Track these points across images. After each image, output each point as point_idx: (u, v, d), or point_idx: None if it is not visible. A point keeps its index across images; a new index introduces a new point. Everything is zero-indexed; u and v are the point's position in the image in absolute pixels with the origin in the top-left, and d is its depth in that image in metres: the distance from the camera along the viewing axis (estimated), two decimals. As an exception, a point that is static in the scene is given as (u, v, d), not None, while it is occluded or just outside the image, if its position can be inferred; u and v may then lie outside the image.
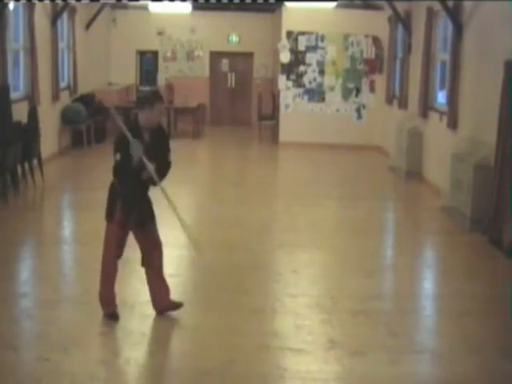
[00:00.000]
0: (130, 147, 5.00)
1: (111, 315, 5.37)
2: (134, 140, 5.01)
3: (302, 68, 15.16)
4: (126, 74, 17.87)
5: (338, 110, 15.29)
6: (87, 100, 14.27)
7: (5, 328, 5.20)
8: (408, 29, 12.75)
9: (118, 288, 6.11)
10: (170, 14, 17.14)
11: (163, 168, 5.23)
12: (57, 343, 4.93)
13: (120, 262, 6.80)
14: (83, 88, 14.58)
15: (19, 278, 6.55)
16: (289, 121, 15.30)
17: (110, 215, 5.39)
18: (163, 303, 5.48)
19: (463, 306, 5.94)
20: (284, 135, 15.34)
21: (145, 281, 6.31)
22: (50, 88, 12.38)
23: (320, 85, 15.21)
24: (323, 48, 15.07)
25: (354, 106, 15.29)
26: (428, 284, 6.76)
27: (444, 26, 11.10)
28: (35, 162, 10.48)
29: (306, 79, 15.19)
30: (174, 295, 6.08)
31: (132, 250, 7.23)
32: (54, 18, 12.39)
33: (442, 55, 11.09)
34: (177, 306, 5.50)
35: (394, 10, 13.08)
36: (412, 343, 5.20)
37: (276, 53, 15.90)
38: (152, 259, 5.61)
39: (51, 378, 4.45)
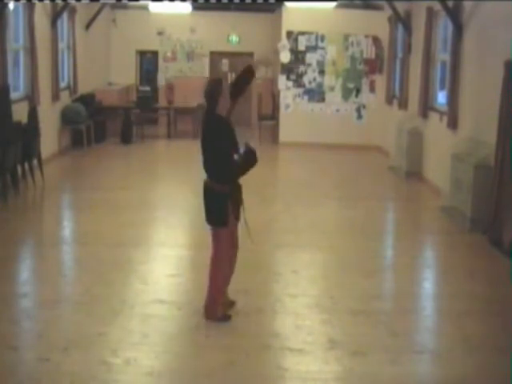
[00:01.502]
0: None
1: (227, 316, 5.42)
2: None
3: (301, 68, 15.16)
4: (126, 74, 17.87)
5: (338, 110, 15.29)
6: (87, 100, 14.27)
7: (5, 328, 5.20)
8: (408, 29, 12.75)
9: (117, 288, 6.14)
10: (170, 14, 17.15)
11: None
12: (57, 343, 4.93)
13: (120, 262, 6.84)
14: (83, 88, 14.58)
15: (19, 278, 6.55)
16: (289, 121, 15.30)
17: (225, 221, 5.29)
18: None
19: (463, 306, 5.94)
20: (284, 135, 15.34)
21: (144, 281, 6.33)
22: (50, 88, 12.39)
23: (320, 85, 15.21)
24: (323, 48, 15.07)
25: (354, 106, 15.29)
26: (428, 284, 6.75)
27: (444, 26, 11.10)
28: (35, 161, 10.48)
29: (305, 79, 15.19)
30: (175, 295, 6.09)
31: (133, 250, 7.26)
32: (54, 18, 12.39)
33: (442, 55, 11.09)
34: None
35: (394, 10, 13.08)
36: (412, 343, 5.20)
37: (276, 53, 15.90)
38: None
39: (51, 378, 4.45)
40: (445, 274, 7.01)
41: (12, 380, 4.40)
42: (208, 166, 5.32)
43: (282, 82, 15.24)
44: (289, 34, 15.07)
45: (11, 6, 10.27)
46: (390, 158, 13.25)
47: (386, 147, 14.24)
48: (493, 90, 8.14)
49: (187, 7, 15.61)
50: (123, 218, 8.56)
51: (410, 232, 8.62)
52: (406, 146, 11.70)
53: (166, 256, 7.23)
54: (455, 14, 9.75)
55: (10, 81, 10.22)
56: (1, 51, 9.72)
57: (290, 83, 15.20)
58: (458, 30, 9.72)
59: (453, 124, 9.84)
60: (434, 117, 11.09)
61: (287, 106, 15.30)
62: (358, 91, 15.22)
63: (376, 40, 14.99)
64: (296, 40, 15.06)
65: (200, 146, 5.30)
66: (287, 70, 15.17)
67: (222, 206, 5.25)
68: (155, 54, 18.31)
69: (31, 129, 10.40)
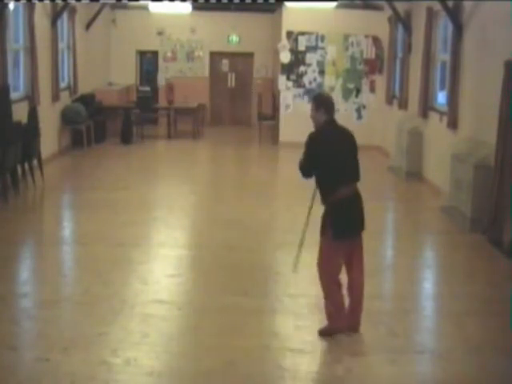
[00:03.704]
0: None
1: (335, 330, 5.23)
2: None
3: (302, 68, 15.15)
4: (126, 74, 17.87)
5: (337, 110, 15.16)
6: (87, 100, 14.27)
7: (5, 328, 5.20)
8: (408, 29, 12.75)
9: (117, 288, 6.14)
10: (170, 14, 17.14)
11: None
12: (57, 343, 4.93)
13: (120, 262, 6.84)
14: (83, 88, 14.58)
15: (19, 278, 6.55)
16: (289, 121, 15.27)
17: None
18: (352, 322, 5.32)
19: (463, 306, 5.94)
20: (284, 135, 15.32)
21: (144, 281, 6.33)
22: (50, 88, 12.38)
23: (320, 85, 15.19)
24: (323, 48, 15.06)
25: (354, 106, 15.28)
26: (428, 284, 6.75)
27: (444, 26, 11.10)
28: (35, 162, 10.48)
29: (306, 79, 15.18)
30: (175, 295, 6.09)
31: (133, 250, 7.26)
32: (54, 17, 12.39)
33: (442, 55, 11.09)
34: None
35: (394, 10, 13.08)
36: (412, 343, 5.20)
37: (276, 53, 15.90)
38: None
39: (51, 378, 4.45)
40: (445, 274, 7.01)
41: (12, 380, 4.40)
42: (357, 171, 5.38)
43: (282, 82, 15.23)
44: (289, 34, 15.06)
45: (11, 6, 10.27)
46: (390, 158, 13.24)
47: (385, 147, 14.24)
48: (493, 90, 8.14)
49: (187, 7, 15.61)
50: (123, 218, 8.56)
51: (410, 232, 8.62)
52: (405, 146, 11.70)
53: (165, 256, 7.23)
54: (455, 14, 9.75)
55: (10, 81, 10.22)
56: (1, 51, 9.72)
57: (290, 83, 15.19)
58: (458, 30, 9.72)
59: (453, 124, 9.84)
60: (433, 117, 11.09)
61: (287, 107, 15.29)
62: (358, 91, 15.22)
63: (376, 40, 14.98)
64: (296, 40, 15.05)
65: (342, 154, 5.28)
66: (287, 70, 15.16)
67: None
68: (155, 54, 18.31)
69: (31, 129, 10.40)
